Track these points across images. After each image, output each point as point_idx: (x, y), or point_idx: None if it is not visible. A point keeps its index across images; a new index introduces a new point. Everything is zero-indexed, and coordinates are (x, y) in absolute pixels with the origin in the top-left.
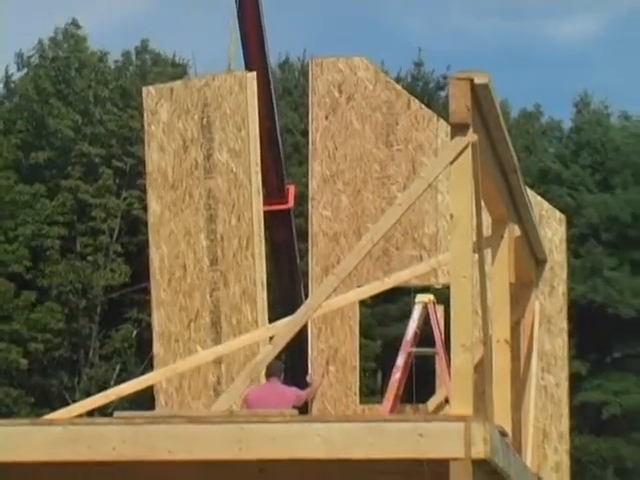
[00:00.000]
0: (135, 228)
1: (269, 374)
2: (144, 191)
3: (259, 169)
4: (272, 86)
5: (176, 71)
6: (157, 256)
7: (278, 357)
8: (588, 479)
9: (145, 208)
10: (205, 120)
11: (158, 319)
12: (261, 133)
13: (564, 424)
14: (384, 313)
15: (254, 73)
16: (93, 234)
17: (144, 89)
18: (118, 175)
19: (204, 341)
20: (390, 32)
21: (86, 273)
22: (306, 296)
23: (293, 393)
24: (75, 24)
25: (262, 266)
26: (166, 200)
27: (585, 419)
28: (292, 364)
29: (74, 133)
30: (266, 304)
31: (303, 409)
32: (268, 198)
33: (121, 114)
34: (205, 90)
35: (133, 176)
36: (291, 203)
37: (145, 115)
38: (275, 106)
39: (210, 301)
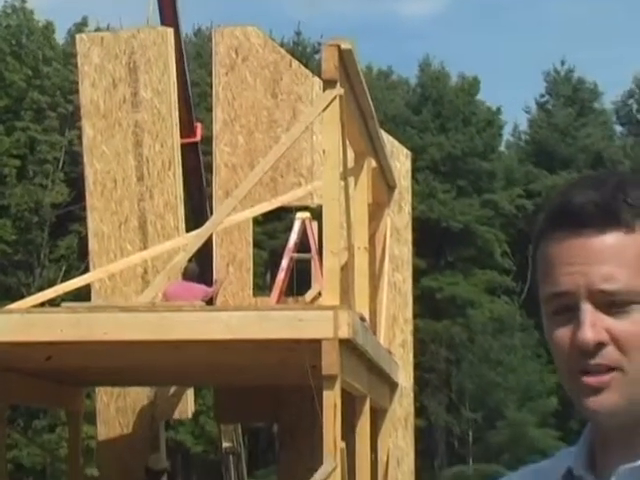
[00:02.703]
0: (75, 160)
1: (184, 274)
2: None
3: (177, 106)
4: (182, 42)
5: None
6: (91, 171)
7: (190, 260)
8: (427, 353)
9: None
10: (132, 64)
11: (92, 221)
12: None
13: (409, 311)
14: (272, 228)
15: (172, 29)
16: (41, 164)
17: (77, 37)
18: (61, 118)
19: (133, 240)
20: (275, 7)
21: (37, 195)
22: (211, 213)
23: (202, 289)
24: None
25: (180, 184)
26: (98, 127)
27: (425, 307)
28: (201, 266)
29: (26, 85)
30: (183, 214)
31: (209, 302)
32: (181, 132)
33: (64, 70)
34: (132, 40)
35: (74, 119)
36: (199, 137)
37: (79, 58)
38: (185, 59)
39: (138, 209)
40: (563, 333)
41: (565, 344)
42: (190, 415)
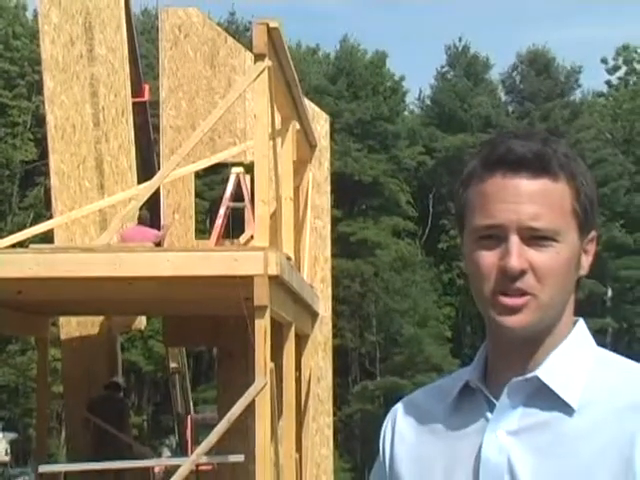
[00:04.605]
0: (41, 123)
1: (138, 220)
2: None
3: (128, 62)
4: (132, 15)
5: None
6: (52, 117)
7: (142, 208)
8: (342, 287)
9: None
10: (87, 24)
11: (54, 161)
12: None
13: (327, 252)
14: (211, 180)
15: None
16: (12, 126)
17: None
18: (29, 86)
19: (91, 178)
20: None
21: (8, 152)
22: (159, 167)
23: (153, 233)
24: None
25: (132, 130)
26: (58, 79)
27: (341, 248)
28: (151, 213)
29: None
30: (134, 156)
31: (158, 244)
32: (131, 93)
33: (31, 45)
34: (87, 3)
35: (40, 87)
36: (146, 97)
37: (39, 18)
38: (134, 29)
39: (95, 151)
40: (488, 256)
41: (489, 266)
42: (143, 327)
